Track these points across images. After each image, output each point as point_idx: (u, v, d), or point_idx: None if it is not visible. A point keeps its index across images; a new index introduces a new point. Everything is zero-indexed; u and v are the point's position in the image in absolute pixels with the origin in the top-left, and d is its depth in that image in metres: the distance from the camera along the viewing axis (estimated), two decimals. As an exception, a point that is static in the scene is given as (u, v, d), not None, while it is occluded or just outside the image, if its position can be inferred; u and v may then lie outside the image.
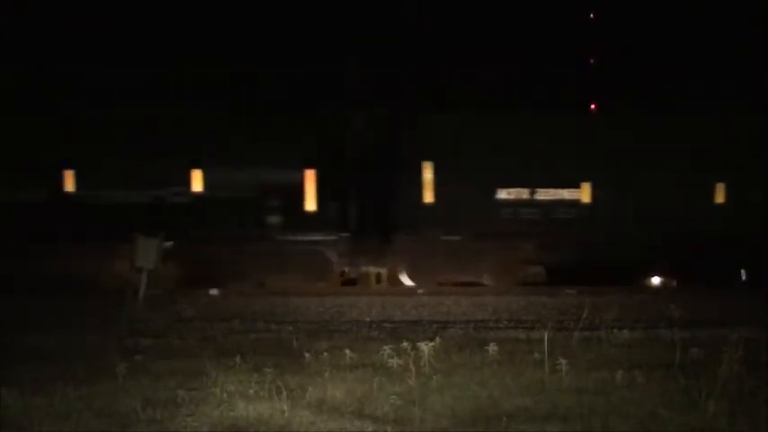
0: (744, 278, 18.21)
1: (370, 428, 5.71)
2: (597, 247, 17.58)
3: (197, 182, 17.41)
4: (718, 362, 6.60)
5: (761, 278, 16.60)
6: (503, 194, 17.95)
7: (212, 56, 17.37)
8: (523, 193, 17.97)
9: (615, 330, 10.34)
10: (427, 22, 19.12)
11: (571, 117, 18.20)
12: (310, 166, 17.41)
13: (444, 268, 18.10)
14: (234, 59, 17.45)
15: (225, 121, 17.47)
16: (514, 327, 12.01)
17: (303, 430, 5.74)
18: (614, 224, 17.57)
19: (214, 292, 16.68)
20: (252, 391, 6.61)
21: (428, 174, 17.78)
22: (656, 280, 19.21)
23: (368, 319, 13.40)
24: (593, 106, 21.08)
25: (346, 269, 18.71)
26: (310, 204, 17.50)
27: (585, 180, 18.01)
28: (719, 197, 18.16)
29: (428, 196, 17.79)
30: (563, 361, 7.09)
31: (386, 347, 7.48)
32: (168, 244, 16.09)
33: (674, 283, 18.99)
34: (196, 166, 17.36)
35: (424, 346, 7.21)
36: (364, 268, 18.96)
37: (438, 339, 7.99)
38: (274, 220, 17.60)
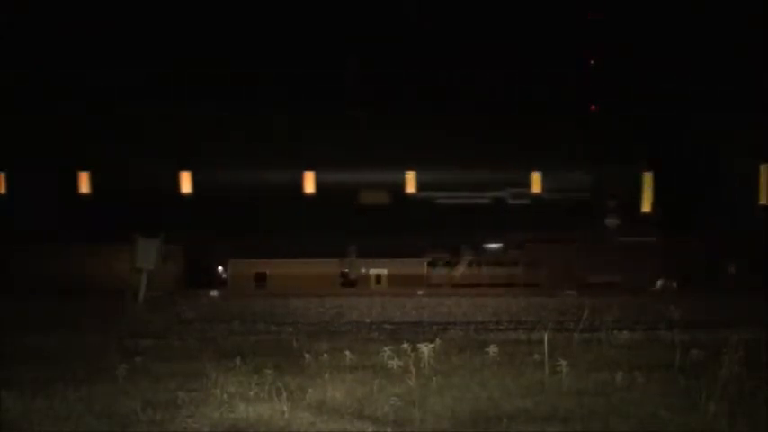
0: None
1: (370, 429, 5.71)
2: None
3: (536, 184, 17.73)
4: (718, 363, 6.59)
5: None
6: None
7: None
8: None
9: (615, 331, 10.35)
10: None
11: None
12: (649, 169, 17.65)
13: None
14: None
15: (563, 126, 17.81)
16: (515, 328, 12.02)
17: (303, 431, 5.74)
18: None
19: (214, 293, 16.69)
20: (252, 393, 6.60)
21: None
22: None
23: (368, 321, 13.41)
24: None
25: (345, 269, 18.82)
26: (646, 206, 17.67)
27: None
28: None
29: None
30: (563, 362, 7.09)
31: (386, 349, 7.48)
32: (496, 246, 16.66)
33: (675, 284, 18.97)
34: (537, 169, 17.70)
35: (425, 348, 7.21)
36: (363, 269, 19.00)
37: (438, 340, 7.99)
38: (612, 221, 17.73)
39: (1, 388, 6.61)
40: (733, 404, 5.96)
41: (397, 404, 6.13)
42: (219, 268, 18.25)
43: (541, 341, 7.71)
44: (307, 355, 7.91)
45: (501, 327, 12.44)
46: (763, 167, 17.71)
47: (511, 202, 17.70)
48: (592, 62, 19.79)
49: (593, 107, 19.42)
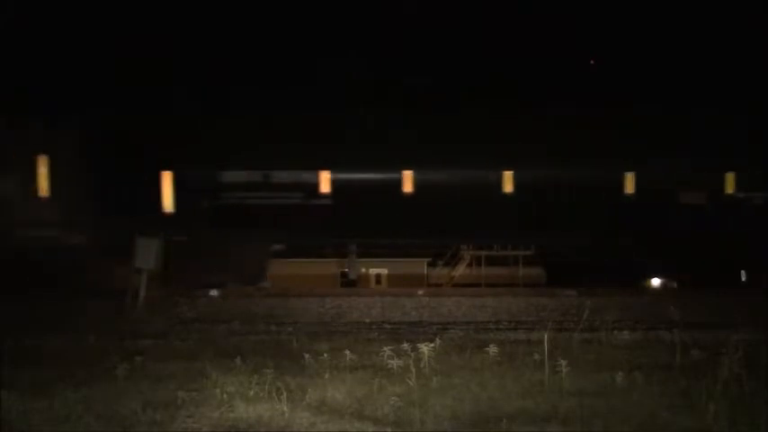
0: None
1: (370, 429, 5.71)
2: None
3: None
4: (718, 363, 6.59)
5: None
6: None
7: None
8: None
9: (615, 332, 10.35)
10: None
11: None
12: None
13: None
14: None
15: None
16: (514, 328, 12.02)
17: (303, 431, 5.74)
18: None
19: (214, 293, 16.68)
20: (252, 393, 6.60)
21: None
22: (656, 281, 19.25)
23: (368, 321, 13.41)
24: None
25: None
26: None
27: None
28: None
29: None
30: (563, 362, 7.08)
31: (386, 349, 7.48)
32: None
33: (675, 284, 19.01)
34: None
35: (425, 348, 7.21)
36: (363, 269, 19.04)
37: (438, 341, 7.99)
38: None
39: (1, 388, 6.61)
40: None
41: (398, 404, 6.13)
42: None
43: (541, 341, 7.70)
44: (307, 355, 7.91)
45: (501, 327, 12.44)
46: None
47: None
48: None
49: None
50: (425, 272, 21.31)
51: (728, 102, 16.94)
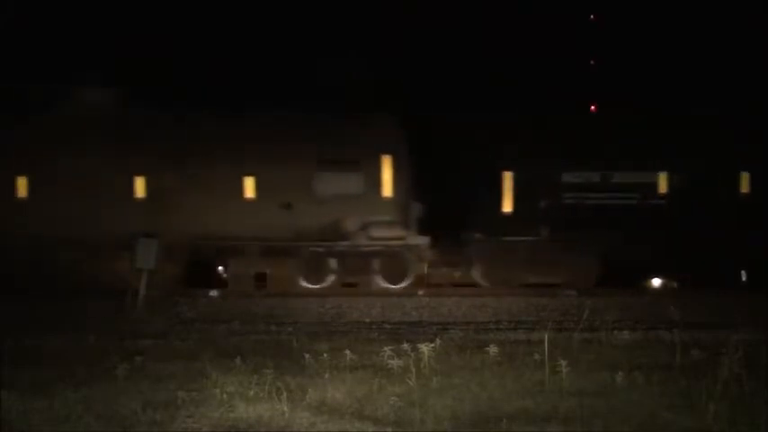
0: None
1: (370, 430, 5.71)
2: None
3: None
4: (718, 363, 6.59)
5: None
6: None
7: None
8: None
9: (615, 332, 10.36)
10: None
11: None
12: None
13: None
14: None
15: None
16: (514, 328, 12.02)
17: (303, 431, 5.74)
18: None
19: (213, 293, 16.69)
20: (252, 393, 6.60)
21: None
22: (656, 281, 19.24)
23: (368, 320, 13.42)
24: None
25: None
26: None
27: None
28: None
29: None
30: (563, 362, 7.09)
31: (386, 349, 7.48)
32: None
33: (675, 284, 19.01)
34: None
35: (425, 348, 7.21)
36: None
37: (438, 341, 7.99)
38: None
39: (1, 388, 6.60)
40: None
41: (398, 404, 6.13)
42: (219, 268, 18.26)
43: (541, 341, 7.71)
44: (307, 355, 7.91)
45: (501, 327, 12.44)
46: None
47: None
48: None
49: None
50: (425, 272, 21.29)
51: None
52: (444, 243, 18.06)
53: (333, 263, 17.83)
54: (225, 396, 6.51)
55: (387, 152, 17.76)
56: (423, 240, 17.78)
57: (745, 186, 18.09)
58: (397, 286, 17.71)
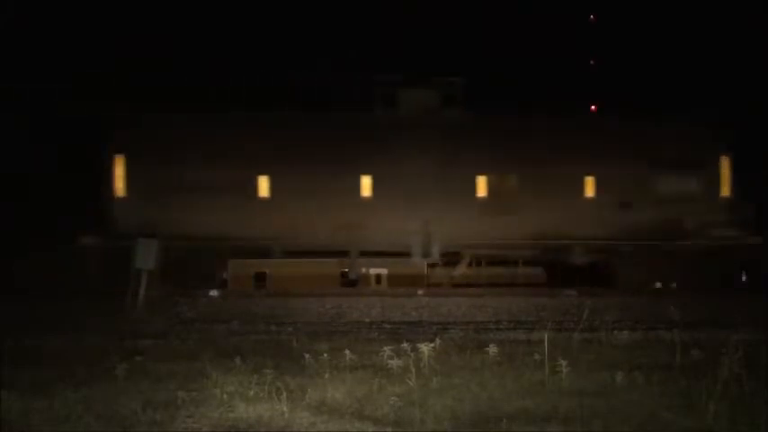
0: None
1: (370, 430, 5.71)
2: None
3: None
4: (718, 363, 6.59)
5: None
6: None
7: None
8: None
9: (615, 332, 10.36)
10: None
11: None
12: None
13: None
14: None
15: None
16: (514, 328, 12.02)
17: (303, 431, 5.73)
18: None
19: (213, 293, 16.68)
20: (252, 393, 6.60)
21: None
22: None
23: (368, 321, 13.41)
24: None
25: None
26: None
27: None
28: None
29: None
30: (563, 362, 7.09)
31: (386, 348, 7.49)
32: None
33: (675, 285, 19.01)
34: None
35: (425, 348, 7.21)
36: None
37: (438, 340, 7.99)
38: None
39: (1, 388, 6.60)
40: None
41: (398, 404, 6.13)
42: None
43: (541, 341, 7.71)
44: (306, 355, 7.91)
45: (501, 327, 12.44)
46: None
47: None
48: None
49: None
50: (425, 272, 21.29)
51: None
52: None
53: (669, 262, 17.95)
54: (225, 396, 6.51)
55: (724, 152, 18.11)
56: (756, 240, 17.81)
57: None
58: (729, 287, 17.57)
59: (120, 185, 17.56)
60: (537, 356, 7.62)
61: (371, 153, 18.00)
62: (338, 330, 11.69)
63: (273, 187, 17.84)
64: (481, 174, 18.09)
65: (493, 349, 7.87)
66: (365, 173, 18.04)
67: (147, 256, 14.44)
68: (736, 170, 18.10)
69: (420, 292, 17.15)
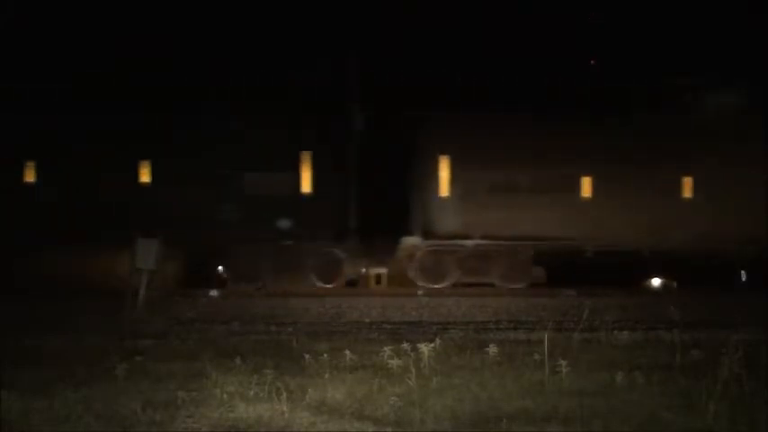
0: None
1: (370, 430, 5.71)
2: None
3: None
4: (718, 363, 6.59)
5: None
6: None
7: None
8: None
9: (615, 332, 10.36)
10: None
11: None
12: None
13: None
14: None
15: None
16: (514, 328, 12.02)
17: (303, 431, 5.73)
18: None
19: (213, 293, 16.69)
20: (252, 393, 6.60)
21: None
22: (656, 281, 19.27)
23: (368, 321, 13.41)
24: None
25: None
26: None
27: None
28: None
29: None
30: (563, 362, 7.09)
31: (386, 349, 7.49)
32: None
33: (675, 284, 19.03)
34: None
35: (425, 348, 7.21)
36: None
37: (438, 341, 7.99)
38: None
39: (1, 388, 6.60)
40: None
41: (398, 404, 6.13)
42: (220, 268, 18.28)
43: (541, 341, 7.71)
44: (306, 356, 7.91)
45: (501, 327, 12.44)
46: None
47: None
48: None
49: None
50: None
51: None
52: None
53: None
54: (225, 396, 6.51)
55: None
56: None
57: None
58: None
59: (443, 186, 18.00)
60: (537, 356, 7.62)
61: (695, 153, 18.30)
62: (338, 330, 11.70)
63: (595, 187, 18.27)
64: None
65: (493, 349, 7.87)
66: (685, 173, 18.43)
67: (147, 256, 14.41)
68: None
69: (420, 292, 17.16)
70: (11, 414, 6.08)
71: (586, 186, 18.35)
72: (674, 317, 9.29)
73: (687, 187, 18.46)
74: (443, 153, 18.32)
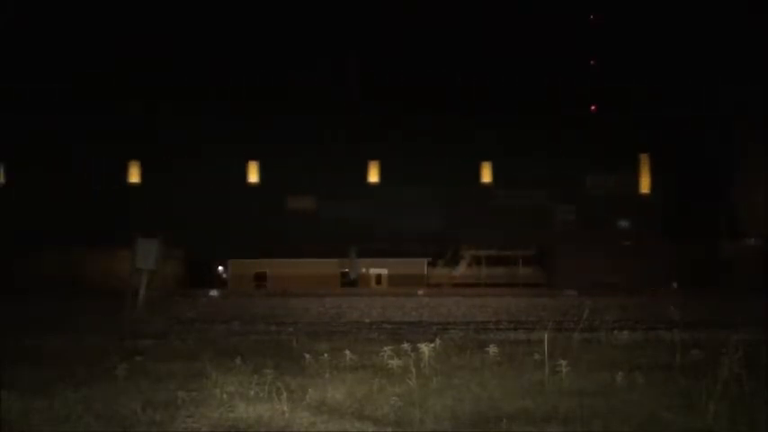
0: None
1: (370, 430, 5.70)
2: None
3: None
4: (718, 363, 6.59)
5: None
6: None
7: None
8: None
9: (615, 332, 10.35)
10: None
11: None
12: None
13: None
14: None
15: None
16: (514, 328, 12.02)
17: (303, 431, 5.73)
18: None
19: (213, 293, 16.69)
20: (252, 393, 6.59)
21: None
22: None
23: (368, 321, 13.41)
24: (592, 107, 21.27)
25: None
26: None
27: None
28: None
29: None
30: (563, 362, 7.08)
31: (386, 348, 7.48)
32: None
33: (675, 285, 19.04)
34: None
35: (425, 348, 7.21)
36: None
37: (438, 341, 7.98)
38: None
39: (1, 388, 6.60)
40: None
41: (398, 404, 6.12)
42: (220, 268, 18.30)
43: (541, 341, 7.70)
44: (307, 355, 7.90)
45: (501, 327, 12.45)
46: None
47: None
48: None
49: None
50: (426, 272, 21.28)
51: None
52: None
53: None
54: (225, 396, 6.50)
55: None
56: None
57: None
58: None
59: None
60: (537, 356, 7.62)
61: None
62: (338, 330, 11.69)
63: None
64: None
65: (493, 349, 7.86)
66: None
67: (147, 256, 14.42)
68: None
69: (420, 292, 17.16)
70: (11, 414, 6.07)
71: None
72: (673, 317, 9.30)
73: None
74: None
